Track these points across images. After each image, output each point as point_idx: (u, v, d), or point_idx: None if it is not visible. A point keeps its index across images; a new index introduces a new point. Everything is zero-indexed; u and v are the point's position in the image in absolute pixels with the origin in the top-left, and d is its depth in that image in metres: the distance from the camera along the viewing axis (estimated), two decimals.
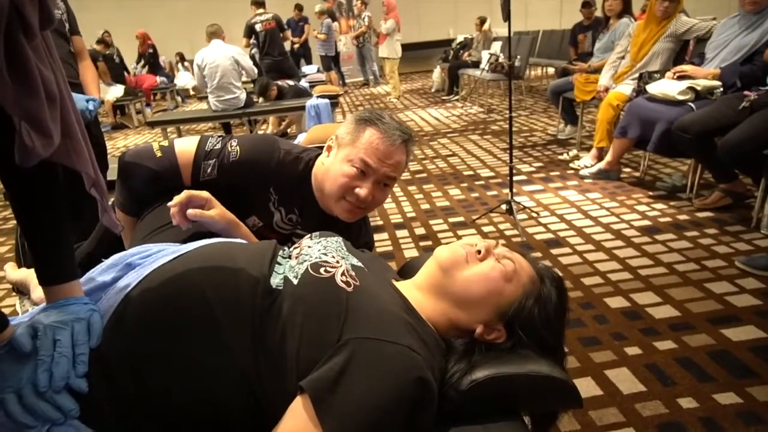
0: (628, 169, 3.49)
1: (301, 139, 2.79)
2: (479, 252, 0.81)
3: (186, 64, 10.25)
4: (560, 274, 0.90)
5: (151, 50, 9.18)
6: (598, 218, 2.71)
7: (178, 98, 9.80)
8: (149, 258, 0.80)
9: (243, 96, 4.81)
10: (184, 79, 9.98)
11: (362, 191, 1.07)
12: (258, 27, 5.89)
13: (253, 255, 0.81)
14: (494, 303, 0.79)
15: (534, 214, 2.81)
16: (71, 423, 0.64)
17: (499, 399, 0.76)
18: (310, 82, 6.71)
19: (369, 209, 1.14)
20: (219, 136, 1.19)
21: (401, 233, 2.76)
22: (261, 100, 5.18)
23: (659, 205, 2.81)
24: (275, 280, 0.76)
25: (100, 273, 0.79)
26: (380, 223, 2.93)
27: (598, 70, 3.92)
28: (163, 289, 0.73)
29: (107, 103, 7.44)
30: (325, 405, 0.62)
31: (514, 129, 4.96)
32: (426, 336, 0.75)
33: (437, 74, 8.36)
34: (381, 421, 0.62)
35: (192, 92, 10.28)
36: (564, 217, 2.76)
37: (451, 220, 2.88)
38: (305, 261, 0.80)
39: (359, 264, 0.83)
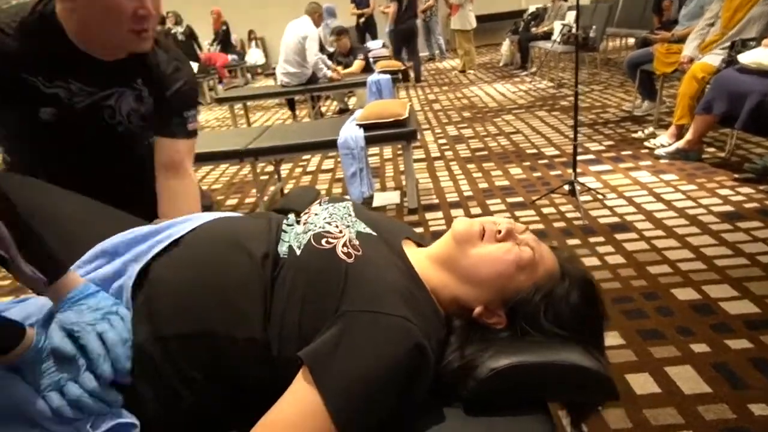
0: (711, 149, 3.18)
1: (358, 115, 2.78)
2: (499, 232, 0.77)
3: (258, 41, 10.51)
4: (593, 275, 0.83)
5: (224, 27, 9.47)
6: (671, 202, 2.50)
7: (248, 75, 10.08)
8: (146, 243, 0.79)
9: (308, 72, 4.85)
10: (254, 57, 10.24)
11: (142, 10, 0.96)
12: None
13: (257, 227, 0.82)
14: (499, 287, 0.76)
15: (599, 196, 2.64)
16: (115, 412, 0.66)
17: (522, 389, 0.72)
18: (373, 57, 6.66)
19: (153, 24, 1.00)
20: None
21: (456, 213, 2.69)
22: (332, 38, 5.25)
23: (745, 189, 2.54)
24: (282, 249, 0.78)
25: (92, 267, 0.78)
26: (435, 201, 2.87)
27: (682, 40, 3.57)
28: (178, 273, 0.74)
29: None
30: (324, 375, 0.63)
31: (585, 105, 4.69)
32: (425, 306, 0.74)
33: (506, 47, 8.02)
34: (378, 389, 0.63)
35: (260, 70, 10.56)
36: (633, 200, 2.57)
37: (509, 200, 2.77)
38: (309, 231, 0.79)
39: (366, 230, 0.81)
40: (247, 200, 3.32)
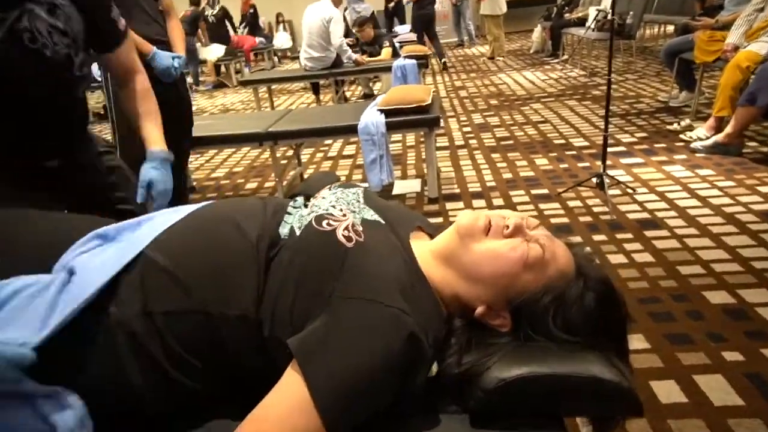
0: (753, 144, 3.00)
1: (380, 100, 2.71)
2: (507, 227, 0.71)
3: (285, 24, 10.47)
4: (612, 276, 0.76)
5: (252, 11, 9.46)
6: (706, 198, 2.36)
7: (275, 58, 10.07)
8: (141, 229, 0.77)
9: (332, 56, 4.79)
10: (281, 40, 10.22)
11: None
12: None
13: (253, 209, 0.79)
14: (503, 286, 0.70)
15: (629, 190, 2.52)
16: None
17: (534, 401, 0.66)
18: (400, 42, 6.54)
19: None
20: None
21: (478, 203, 2.61)
22: (355, 29, 5.14)
23: None
24: (284, 230, 0.75)
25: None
26: (456, 191, 2.79)
27: (726, 26, 3.37)
28: (171, 252, 0.72)
29: (209, 63, 7.82)
30: (312, 368, 0.60)
31: (618, 95, 4.51)
32: (425, 301, 0.70)
33: (537, 34, 7.79)
34: (369, 383, 0.60)
35: (288, 53, 10.54)
36: (665, 195, 2.44)
37: (533, 192, 2.67)
38: (312, 213, 0.76)
39: (374, 218, 0.77)
40: (267, 184, 3.30)
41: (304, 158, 3.72)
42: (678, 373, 1.37)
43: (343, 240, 0.69)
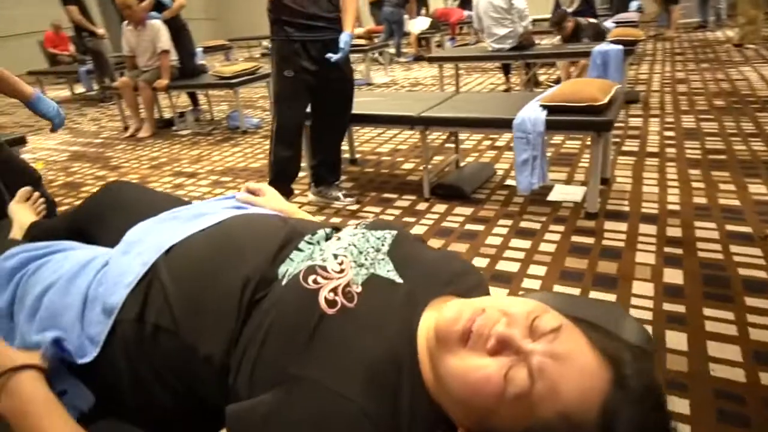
0: None
1: (546, 94, 2.38)
2: (490, 338, 0.52)
3: None
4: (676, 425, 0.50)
5: None
6: None
7: (480, 33, 9.81)
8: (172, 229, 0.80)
9: (519, 30, 4.38)
10: None
11: None
12: None
13: (268, 239, 0.73)
14: (479, 416, 0.52)
15: None
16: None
17: None
18: (617, 22, 5.72)
19: None
20: None
21: (645, 229, 2.14)
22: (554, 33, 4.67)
23: None
24: (282, 270, 0.68)
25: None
26: (625, 208, 2.34)
27: None
28: (177, 271, 0.73)
29: (412, 35, 7.99)
30: None
31: None
32: (408, 396, 0.56)
33: None
34: None
35: None
36: None
37: (729, 227, 2.09)
38: (311, 260, 0.67)
39: (389, 276, 0.65)
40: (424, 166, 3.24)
41: (469, 144, 3.56)
42: None
43: (323, 305, 0.60)
